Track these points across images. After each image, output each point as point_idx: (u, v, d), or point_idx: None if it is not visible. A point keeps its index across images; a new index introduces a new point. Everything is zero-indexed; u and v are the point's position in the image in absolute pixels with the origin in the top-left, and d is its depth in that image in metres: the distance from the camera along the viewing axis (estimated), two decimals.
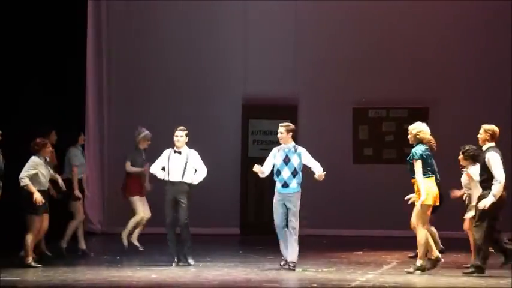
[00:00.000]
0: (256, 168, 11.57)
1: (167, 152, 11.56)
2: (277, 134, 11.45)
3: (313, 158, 11.69)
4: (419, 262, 10.93)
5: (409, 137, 11.13)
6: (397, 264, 12.02)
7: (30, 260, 11.47)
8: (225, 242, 13.68)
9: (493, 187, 10.68)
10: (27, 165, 11.51)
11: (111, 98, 16.37)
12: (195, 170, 11.55)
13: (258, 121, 15.03)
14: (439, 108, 15.45)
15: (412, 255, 11.72)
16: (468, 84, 15.70)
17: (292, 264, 11.19)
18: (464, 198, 11.61)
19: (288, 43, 16.05)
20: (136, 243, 12.87)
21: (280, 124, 11.28)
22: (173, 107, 15.94)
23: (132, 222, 12.88)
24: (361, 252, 12.15)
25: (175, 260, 11.59)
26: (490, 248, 11.02)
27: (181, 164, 11.49)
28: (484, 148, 10.94)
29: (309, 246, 12.05)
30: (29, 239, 11.48)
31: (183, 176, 11.51)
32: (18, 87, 14.06)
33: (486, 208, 10.63)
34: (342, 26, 15.99)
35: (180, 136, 11.47)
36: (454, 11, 15.86)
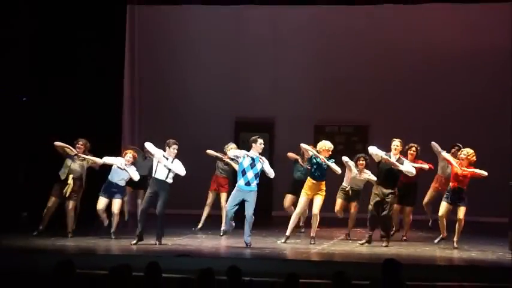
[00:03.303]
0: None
1: (161, 153, 10.99)
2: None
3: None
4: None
5: (326, 151, 11.42)
6: (344, 238, 12.32)
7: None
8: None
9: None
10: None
11: (141, 115, 16.29)
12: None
13: (246, 133, 14.78)
14: (376, 126, 15.70)
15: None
16: (398, 108, 15.76)
17: (248, 240, 11.01)
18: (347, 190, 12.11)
19: (269, 75, 16.13)
20: None
21: (260, 139, 11.13)
22: (186, 122, 15.96)
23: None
24: (318, 229, 11.88)
25: (137, 239, 11.00)
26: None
27: (167, 168, 10.93)
28: (396, 157, 11.41)
29: (281, 225, 12.18)
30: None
31: (166, 177, 10.99)
32: (65, 102, 13.55)
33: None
34: (309, 63, 15.99)
35: (177, 149, 11.00)
36: (392, 45, 15.70)
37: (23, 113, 13.40)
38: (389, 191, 11.44)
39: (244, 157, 11.11)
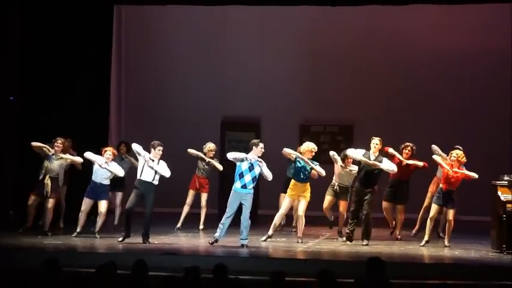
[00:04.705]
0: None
1: (147, 155, 11.05)
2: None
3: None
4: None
5: (310, 152, 11.51)
6: (329, 237, 12.46)
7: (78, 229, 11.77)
8: (208, 220, 12.98)
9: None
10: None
11: (128, 115, 16.37)
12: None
13: (232, 133, 15.48)
14: (360, 125, 15.65)
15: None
16: (382, 108, 15.85)
17: (245, 242, 11.04)
18: (335, 188, 12.08)
19: (254, 77, 16.21)
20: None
21: (261, 143, 11.16)
22: (172, 122, 16.05)
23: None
24: (304, 227, 11.82)
25: (124, 237, 11.14)
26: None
27: (153, 170, 11.01)
28: (375, 155, 11.45)
29: (266, 223, 12.13)
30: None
31: (153, 179, 11.07)
32: (55, 104, 13.73)
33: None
34: (295, 63, 16.10)
35: (162, 150, 11.09)
36: (380, 45, 15.75)
37: (11, 113, 13.36)
38: (367, 190, 11.44)
39: (243, 160, 11.05)
